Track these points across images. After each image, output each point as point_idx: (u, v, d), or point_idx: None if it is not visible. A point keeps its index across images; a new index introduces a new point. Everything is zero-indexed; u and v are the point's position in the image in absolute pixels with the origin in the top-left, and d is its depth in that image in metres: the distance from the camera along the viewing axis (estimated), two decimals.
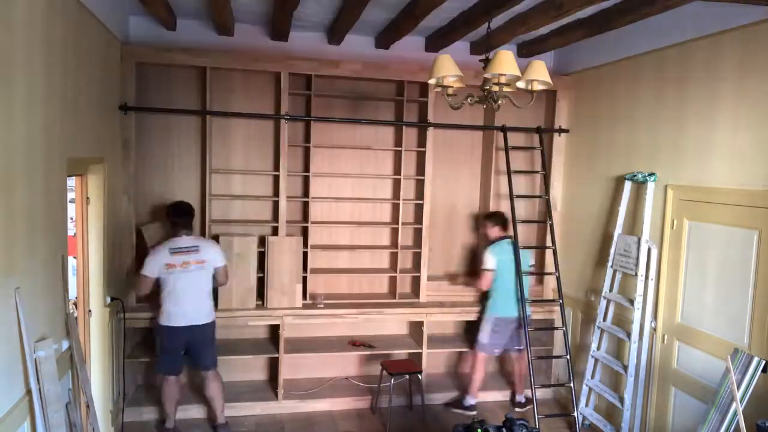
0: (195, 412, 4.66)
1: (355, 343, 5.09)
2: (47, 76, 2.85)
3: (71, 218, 3.59)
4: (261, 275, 4.86)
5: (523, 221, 5.19)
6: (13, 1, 2.43)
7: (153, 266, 4.08)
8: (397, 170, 5.21)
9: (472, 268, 5.33)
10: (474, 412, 4.80)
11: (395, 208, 5.26)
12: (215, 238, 4.67)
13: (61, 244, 3.10)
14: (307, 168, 5.02)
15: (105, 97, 4.04)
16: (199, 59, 4.58)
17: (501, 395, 5.20)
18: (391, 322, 5.30)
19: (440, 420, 4.78)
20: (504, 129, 5.04)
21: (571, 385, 4.60)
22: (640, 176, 4.16)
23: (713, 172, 3.61)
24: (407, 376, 4.83)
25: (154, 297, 4.22)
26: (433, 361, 5.30)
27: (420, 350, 5.05)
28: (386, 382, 4.76)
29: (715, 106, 3.59)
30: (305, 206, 5.07)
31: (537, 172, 5.27)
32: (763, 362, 3.04)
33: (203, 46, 4.68)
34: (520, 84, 3.22)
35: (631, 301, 4.19)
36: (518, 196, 5.02)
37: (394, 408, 4.84)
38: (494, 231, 4.85)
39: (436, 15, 4.14)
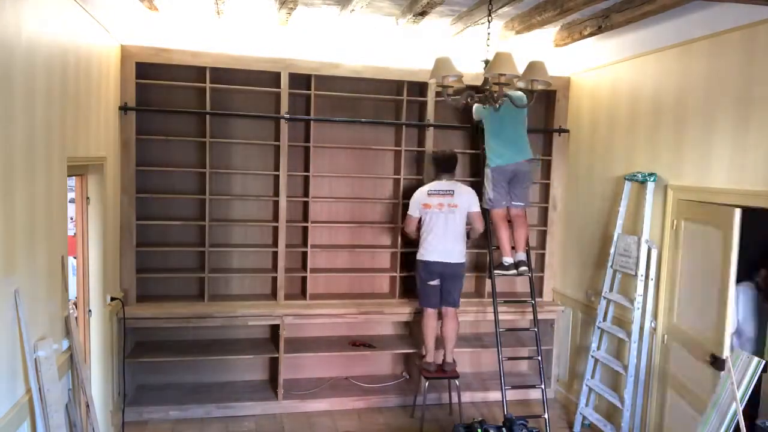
0: (194, 412, 4.66)
1: (355, 344, 5.09)
2: (47, 76, 2.85)
3: (71, 218, 3.59)
4: None
5: None
6: (16, 3, 2.43)
7: (413, 206, 4.64)
8: (397, 170, 5.21)
9: None
10: (513, 271, 4.79)
11: (395, 208, 5.25)
12: None
13: (61, 244, 3.10)
14: (307, 168, 5.02)
15: (105, 97, 4.05)
16: (199, 59, 4.59)
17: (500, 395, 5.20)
18: (391, 322, 5.30)
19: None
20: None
21: (542, 386, 4.61)
22: (640, 176, 4.16)
23: (713, 173, 3.60)
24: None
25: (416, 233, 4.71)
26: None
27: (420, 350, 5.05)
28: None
29: (716, 106, 3.59)
30: (305, 206, 5.07)
31: None
32: (763, 362, 3.04)
33: (203, 46, 4.67)
34: (521, 84, 3.22)
35: (631, 301, 4.19)
36: None
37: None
38: None
39: (436, 13, 4.13)
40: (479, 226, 4.64)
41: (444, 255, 4.53)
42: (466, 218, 4.59)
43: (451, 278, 4.58)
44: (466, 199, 4.57)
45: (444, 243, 4.53)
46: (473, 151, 5.35)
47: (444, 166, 4.64)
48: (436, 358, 4.73)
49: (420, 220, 4.62)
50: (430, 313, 4.66)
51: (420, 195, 4.62)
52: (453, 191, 4.55)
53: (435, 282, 4.59)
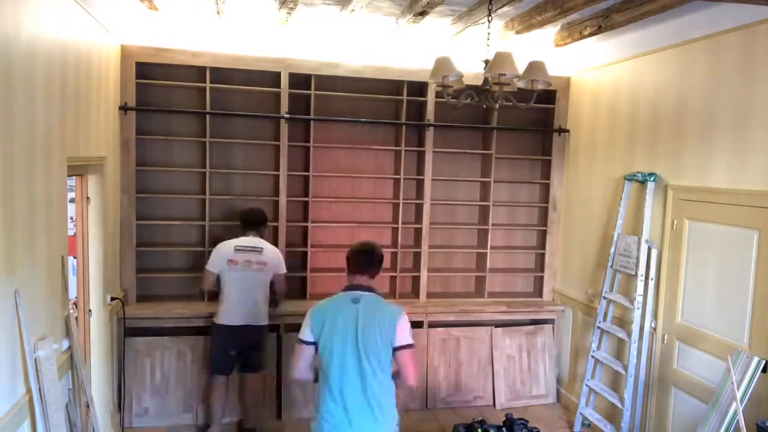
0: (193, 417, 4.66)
1: None
2: (47, 76, 2.85)
3: (71, 218, 3.59)
4: None
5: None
6: (15, 2, 2.43)
7: (214, 261, 4.19)
8: (397, 170, 5.21)
9: None
10: None
11: (395, 208, 5.26)
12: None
13: (61, 244, 3.10)
14: (307, 168, 5.01)
15: (105, 97, 4.05)
16: (199, 59, 4.59)
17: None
18: None
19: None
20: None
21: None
22: (640, 176, 4.16)
23: (713, 172, 3.61)
24: None
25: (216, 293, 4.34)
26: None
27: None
28: None
29: (716, 105, 3.59)
30: (305, 206, 5.07)
31: None
32: (763, 362, 3.05)
33: (203, 45, 4.67)
34: (521, 84, 3.22)
35: (631, 301, 4.19)
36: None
37: None
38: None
39: (436, 13, 4.13)
40: (283, 288, 4.40)
41: (248, 318, 4.17)
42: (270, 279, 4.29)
43: (251, 344, 4.24)
44: (274, 257, 4.29)
45: (247, 304, 4.18)
46: (478, 152, 5.35)
47: (250, 223, 4.35)
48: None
49: (219, 277, 4.21)
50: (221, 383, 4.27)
51: (225, 249, 4.20)
52: (261, 248, 4.24)
53: (234, 352, 4.22)
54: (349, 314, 2.68)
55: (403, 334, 2.67)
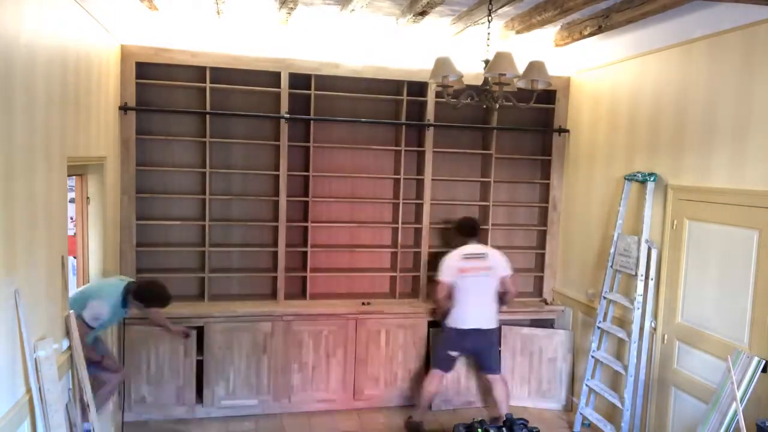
0: (194, 412, 4.66)
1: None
2: (47, 76, 2.85)
3: (71, 218, 3.59)
4: None
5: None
6: (15, 2, 2.43)
7: (446, 271, 4.44)
8: (397, 170, 5.21)
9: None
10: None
11: (395, 208, 5.25)
12: None
13: (61, 244, 3.10)
14: (307, 167, 5.01)
15: (105, 97, 4.05)
16: (199, 59, 4.59)
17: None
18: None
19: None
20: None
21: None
22: (640, 176, 4.16)
23: (713, 172, 3.61)
24: None
25: (447, 300, 4.53)
26: None
27: None
28: None
29: (716, 105, 3.59)
30: (305, 206, 5.07)
31: None
32: (763, 362, 3.05)
33: (203, 46, 4.67)
34: (521, 84, 3.23)
35: (631, 301, 4.19)
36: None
37: None
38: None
39: (436, 13, 4.13)
40: (512, 288, 4.58)
41: (480, 321, 4.44)
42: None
43: (487, 345, 4.53)
44: (500, 262, 4.52)
45: (481, 307, 4.45)
46: (478, 152, 5.35)
47: (469, 231, 4.66)
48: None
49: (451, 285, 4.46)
50: (439, 376, 4.60)
51: (454, 260, 4.47)
52: (486, 254, 4.52)
53: (456, 353, 4.53)
54: None
55: None
